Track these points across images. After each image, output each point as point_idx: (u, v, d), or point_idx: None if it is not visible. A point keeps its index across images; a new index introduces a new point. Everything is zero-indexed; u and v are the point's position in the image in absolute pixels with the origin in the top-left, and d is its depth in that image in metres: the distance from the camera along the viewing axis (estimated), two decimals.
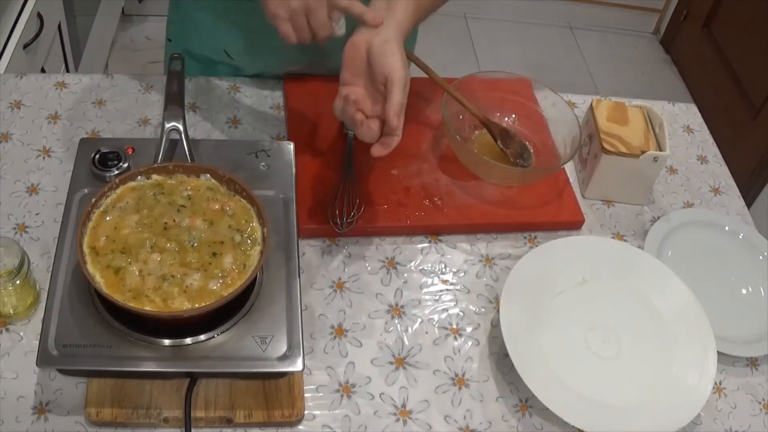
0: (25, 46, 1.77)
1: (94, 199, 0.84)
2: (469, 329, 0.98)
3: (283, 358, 0.81)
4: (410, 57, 1.13)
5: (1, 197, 1.01)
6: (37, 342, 0.79)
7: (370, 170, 1.10)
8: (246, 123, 1.16)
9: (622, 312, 1.00)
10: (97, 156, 0.93)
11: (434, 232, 1.08)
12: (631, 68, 3.23)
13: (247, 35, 1.17)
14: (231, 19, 1.15)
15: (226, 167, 0.91)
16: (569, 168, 1.20)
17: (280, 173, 0.97)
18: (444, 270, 1.04)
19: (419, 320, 0.98)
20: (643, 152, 1.10)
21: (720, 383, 0.98)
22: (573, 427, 0.89)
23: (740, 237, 1.13)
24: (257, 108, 1.19)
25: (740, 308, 1.06)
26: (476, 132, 1.17)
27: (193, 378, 0.84)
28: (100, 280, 0.79)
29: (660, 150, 1.11)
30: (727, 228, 1.14)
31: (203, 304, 0.78)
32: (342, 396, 0.89)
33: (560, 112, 1.15)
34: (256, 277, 0.83)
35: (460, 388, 0.93)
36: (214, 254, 0.82)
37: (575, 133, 1.11)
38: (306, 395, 0.88)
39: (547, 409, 0.88)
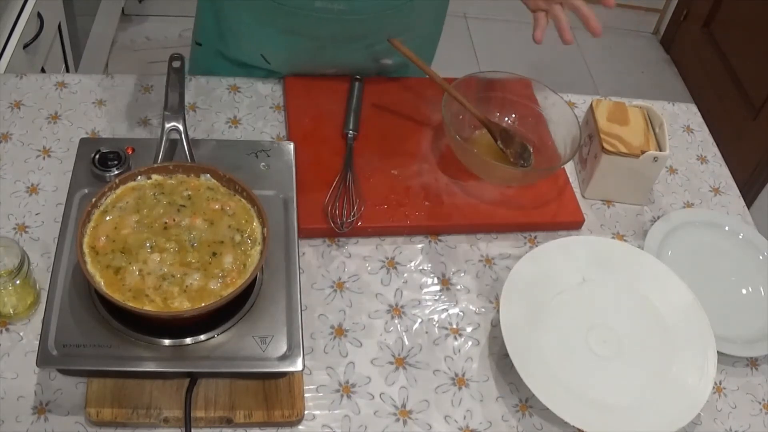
0: (25, 46, 1.77)
1: (94, 199, 0.84)
2: (469, 329, 0.98)
3: (283, 358, 0.81)
4: (411, 58, 1.13)
5: (1, 197, 1.01)
6: (37, 342, 0.79)
7: (370, 170, 1.10)
8: (246, 123, 1.16)
9: (622, 312, 1.00)
10: (97, 156, 0.94)
11: (434, 232, 1.08)
12: (631, 68, 3.23)
13: (286, 39, 1.16)
14: (270, 23, 1.15)
15: (226, 167, 0.90)
16: (569, 168, 1.20)
17: (280, 173, 0.97)
18: (444, 270, 1.04)
19: (419, 320, 0.98)
20: (643, 152, 1.10)
21: (720, 383, 0.98)
22: (573, 427, 0.89)
23: (740, 237, 1.13)
24: (257, 108, 1.19)
25: (740, 308, 1.06)
26: (476, 132, 1.17)
27: (193, 378, 0.84)
28: (99, 279, 0.79)
29: (660, 150, 1.11)
30: (727, 228, 1.14)
31: (203, 304, 0.78)
32: (342, 396, 0.89)
33: (560, 112, 1.15)
34: (256, 277, 0.83)
35: (460, 388, 0.93)
36: (214, 254, 0.82)
37: (575, 133, 1.11)
38: (306, 395, 0.88)
39: (547, 409, 0.88)
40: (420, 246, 1.06)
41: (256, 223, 0.86)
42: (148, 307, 0.78)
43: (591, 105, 1.17)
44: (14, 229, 0.98)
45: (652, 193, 1.19)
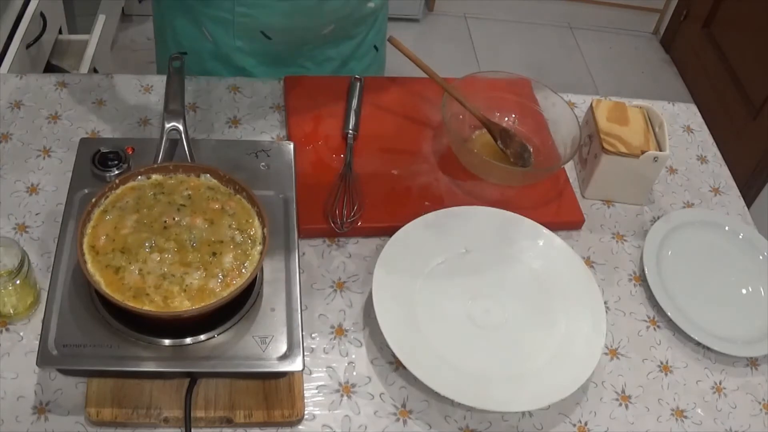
0: (28, 46, 1.77)
1: (94, 199, 0.84)
2: None
3: (283, 358, 0.81)
4: (411, 58, 1.13)
5: (1, 197, 1.01)
6: (37, 342, 0.79)
7: (370, 170, 1.10)
8: (246, 123, 1.16)
9: (506, 282, 1.00)
10: (97, 156, 0.94)
11: None
12: (631, 68, 3.23)
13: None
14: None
15: (226, 167, 0.90)
16: (569, 168, 1.20)
17: (280, 173, 0.97)
18: None
19: None
20: (643, 152, 1.10)
21: (720, 383, 0.98)
22: (572, 426, 0.89)
23: (740, 237, 1.13)
24: (257, 108, 1.19)
25: (740, 308, 1.06)
26: (476, 132, 1.17)
27: (193, 378, 0.84)
28: (99, 279, 0.79)
29: (660, 150, 1.11)
30: (727, 228, 1.14)
31: (203, 303, 0.78)
32: (342, 396, 0.89)
33: (560, 112, 1.15)
34: (256, 277, 0.83)
35: None
36: (214, 254, 0.82)
37: (575, 133, 1.11)
38: (306, 395, 0.88)
39: (548, 408, 0.88)
40: None
41: (256, 223, 0.86)
42: (148, 307, 0.78)
43: (591, 105, 1.17)
44: (14, 229, 0.98)
45: (652, 193, 1.19)
